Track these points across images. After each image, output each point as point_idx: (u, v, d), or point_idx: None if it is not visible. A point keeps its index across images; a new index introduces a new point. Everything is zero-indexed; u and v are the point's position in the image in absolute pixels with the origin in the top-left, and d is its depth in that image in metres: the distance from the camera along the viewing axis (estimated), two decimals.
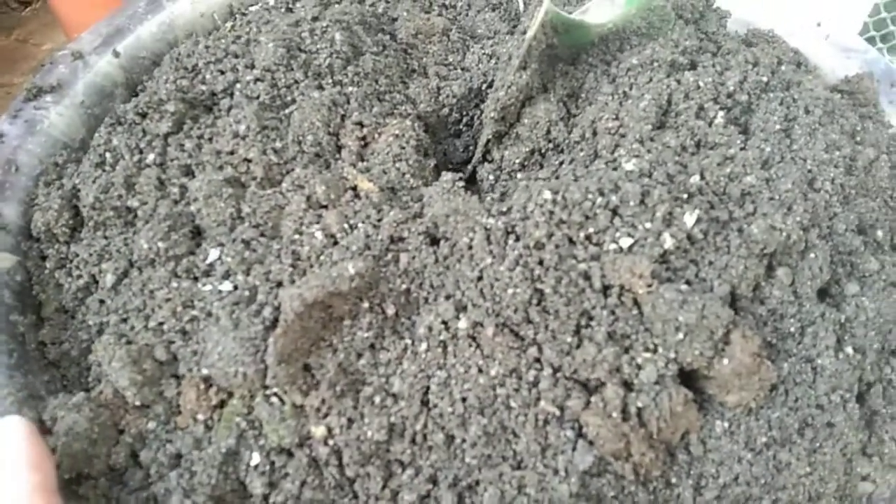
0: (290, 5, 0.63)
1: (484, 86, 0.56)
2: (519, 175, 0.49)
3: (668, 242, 0.38)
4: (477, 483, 0.38)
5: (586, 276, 0.37)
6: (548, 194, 0.38)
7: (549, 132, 0.50)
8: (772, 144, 0.46)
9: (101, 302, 0.47)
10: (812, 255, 0.41)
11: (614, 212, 0.38)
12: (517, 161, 0.51)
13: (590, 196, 0.38)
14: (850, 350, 0.41)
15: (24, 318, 0.48)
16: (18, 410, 0.42)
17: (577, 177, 0.41)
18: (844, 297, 0.43)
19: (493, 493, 0.37)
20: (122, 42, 0.61)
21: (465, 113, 0.56)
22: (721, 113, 0.47)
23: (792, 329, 0.41)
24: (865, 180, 0.48)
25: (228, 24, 0.62)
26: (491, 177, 0.51)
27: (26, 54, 0.91)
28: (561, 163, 0.49)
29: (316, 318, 0.38)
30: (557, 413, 0.38)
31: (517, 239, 0.38)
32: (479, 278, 0.39)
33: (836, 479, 0.40)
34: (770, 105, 0.49)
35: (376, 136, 0.49)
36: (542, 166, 0.50)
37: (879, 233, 0.46)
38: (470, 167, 0.53)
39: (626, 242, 0.38)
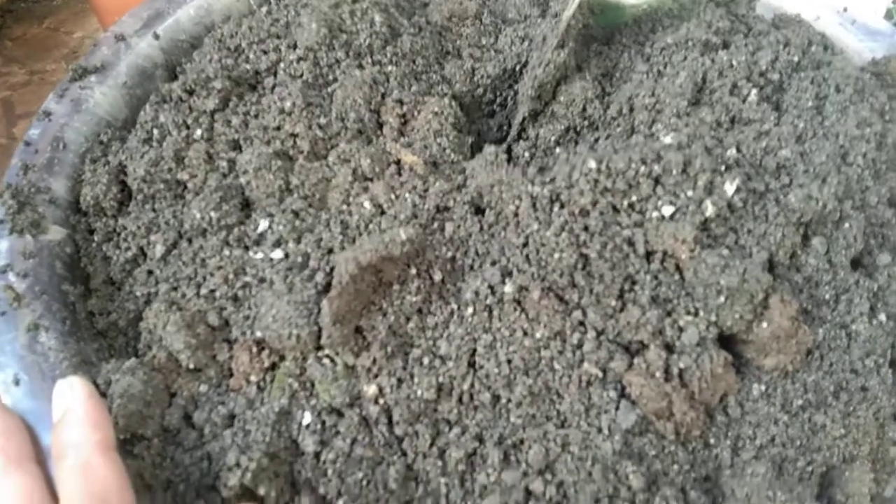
0: None
1: (518, 67, 0.57)
2: (557, 150, 0.50)
3: (710, 210, 0.39)
4: (522, 441, 0.39)
5: (630, 242, 0.39)
6: (592, 163, 0.39)
7: (584, 109, 0.51)
8: (805, 120, 0.47)
9: (150, 273, 0.49)
10: (847, 225, 0.43)
11: (657, 181, 0.40)
12: (553, 139, 0.52)
13: (633, 165, 0.39)
14: (883, 317, 0.42)
15: (74, 289, 0.50)
16: (74, 374, 0.43)
17: (616, 149, 0.42)
18: (877, 266, 0.44)
19: (537, 450, 0.39)
20: (161, 25, 0.62)
21: (498, 93, 0.58)
22: (754, 91, 0.48)
23: (827, 296, 0.42)
24: (895, 156, 0.49)
25: (264, 8, 0.63)
26: (526, 154, 0.52)
27: (58, 42, 0.92)
28: (597, 139, 0.50)
29: (367, 282, 0.40)
30: (600, 374, 0.39)
31: (562, 206, 0.39)
32: (525, 244, 0.40)
33: (869, 442, 0.42)
34: (801, 83, 0.50)
35: (416, 113, 0.51)
36: (577, 143, 0.52)
37: None
38: (505, 145, 0.54)
39: (668, 210, 0.39)
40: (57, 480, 0.36)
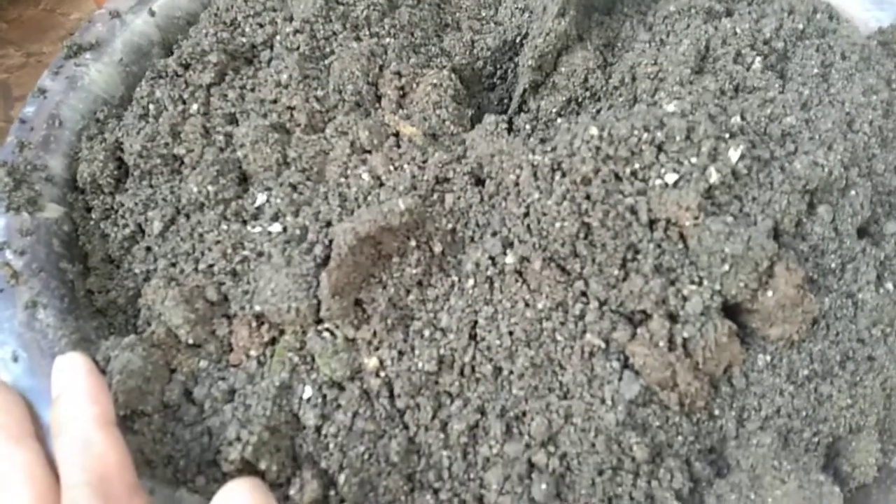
0: None
1: (518, 38, 0.56)
2: (559, 121, 0.49)
3: (714, 177, 0.38)
4: (524, 413, 0.39)
5: (633, 211, 0.38)
6: (594, 130, 0.38)
7: (586, 80, 0.50)
8: (810, 88, 0.46)
9: (148, 249, 0.48)
10: (853, 193, 0.42)
11: (660, 148, 0.39)
12: (554, 110, 0.51)
13: (636, 132, 0.38)
14: (890, 286, 0.42)
15: (73, 267, 0.49)
16: (73, 351, 0.43)
17: (618, 117, 0.41)
18: (884, 235, 0.44)
19: (540, 422, 0.38)
20: (157, 1, 0.62)
21: (498, 66, 0.57)
22: (758, 59, 0.48)
23: (833, 265, 0.41)
24: None
25: None
26: (528, 126, 0.52)
27: (54, 24, 0.91)
28: (599, 110, 0.49)
29: (367, 253, 0.39)
30: (603, 345, 0.39)
31: (563, 175, 0.39)
32: (526, 214, 0.39)
33: (875, 412, 0.41)
34: (807, 51, 0.49)
35: (414, 85, 0.50)
36: (579, 115, 0.51)
37: None
38: (506, 117, 0.53)
39: (671, 178, 0.38)
40: (56, 456, 0.36)
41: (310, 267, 0.40)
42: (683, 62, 0.46)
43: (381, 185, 0.42)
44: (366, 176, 0.42)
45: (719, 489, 0.37)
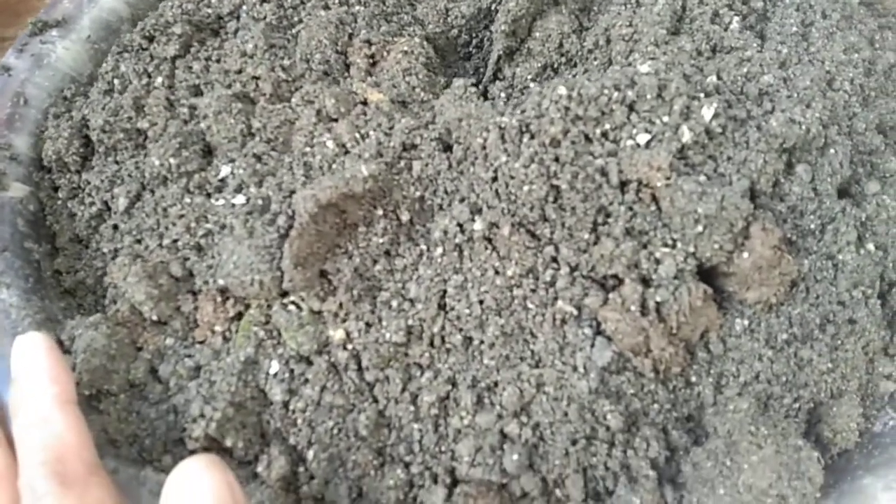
0: None
1: (493, 5, 0.55)
2: (532, 86, 0.48)
3: (687, 136, 0.37)
4: (496, 384, 0.38)
5: (603, 172, 0.37)
6: (563, 90, 0.37)
7: (561, 45, 0.49)
8: (789, 47, 0.45)
9: (115, 227, 0.47)
10: (832, 151, 0.41)
11: (631, 107, 0.38)
12: (529, 77, 0.50)
13: (606, 91, 0.37)
14: (871, 247, 0.41)
15: (39, 247, 0.48)
16: (36, 331, 0.42)
17: (590, 79, 0.40)
18: (865, 195, 0.43)
19: (511, 392, 0.37)
20: None
21: (474, 34, 0.55)
22: (736, 18, 0.46)
23: (812, 226, 0.40)
24: (885, 84, 0.46)
25: None
26: (503, 94, 0.50)
27: (29, 7, 0.90)
28: (574, 76, 0.48)
29: (331, 223, 0.38)
30: (575, 312, 0.38)
31: (532, 137, 0.37)
32: (494, 178, 0.38)
33: (857, 377, 0.40)
34: (786, 10, 0.48)
35: (385, 53, 0.49)
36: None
37: None
38: (481, 86, 0.52)
39: (643, 138, 0.37)
40: (14, 436, 0.35)
41: (273, 238, 0.38)
42: (658, 22, 0.45)
43: (347, 152, 0.41)
44: (330, 143, 0.41)
45: (695, 457, 0.36)
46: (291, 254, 0.37)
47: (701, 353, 0.39)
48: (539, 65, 0.50)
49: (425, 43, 0.50)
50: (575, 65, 0.50)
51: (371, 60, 0.48)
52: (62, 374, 0.37)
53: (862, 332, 0.40)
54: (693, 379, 0.39)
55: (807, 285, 0.40)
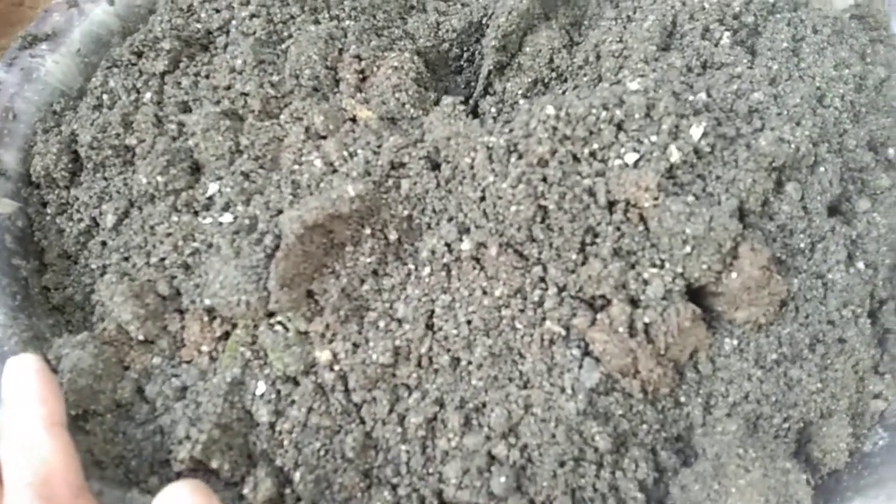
0: None
1: (484, 19, 0.55)
2: (521, 102, 0.48)
3: (675, 156, 0.37)
4: (483, 405, 0.38)
5: (591, 192, 0.37)
6: (551, 110, 0.37)
7: (551, 60, 0.49)
8: (779, 63, 0.45)
9: (103, 244, 0.47)
10: (822, 169, 0.40)
11: (619, 126, 0.37)
12: (520, 92, 0.50)
13: (594, 111, 0.37)
14: (861, 265, 0.40)
15: (27, 264, 0.48)
16: (23, 350, 0.42)
17: (580, 97, 0.40)
18: (855, 213, 0.42)
19: (499, 413, 0.37)
20: None
21: (465, 48, 0.55)
22: (727, 34, 0.46)
23: (802, 245, 0.40)
24: (876, 99, 0.46)
25: None
26: (493, 109, 0.50)
27: (21, 17, 0.89)
28: (565, 91, 0.48)
29: (317, 243, 0.38)
30: (563, 332, 0.37)
31: (520, 157, 0.37)
32: (482, 198, 0.38)
33: (847, 396, 0.40)
34: (777, 25, 0.48)
35: (375, 69, 0.48)
36: (545, 96, 0.49)
37: (891, 150, 0.45)
38: (472, 101, 0.52)
39: (631, 158, 0.37)
40: (2, 458, 0.35)
41: (259, 258, 0.38)
42: (648, 38, 0.44)
43: (335, 171, 0.41)
44: (318, 162, 0.41)
45: (684, 479, 0.36)
46: (277, 275, 0.36)
47: (690, 374, 0.39)
48: (529, 80, 0.50)
49: (416, 58, 0.50)
50: (565, 80, 0.49)
51: (361, 76, 0.48)
52: (50, 396, 0.37)
53: (852, 351, 0.40)
54: (682, 399, 0.39)
55: (796, 304, 0.39)
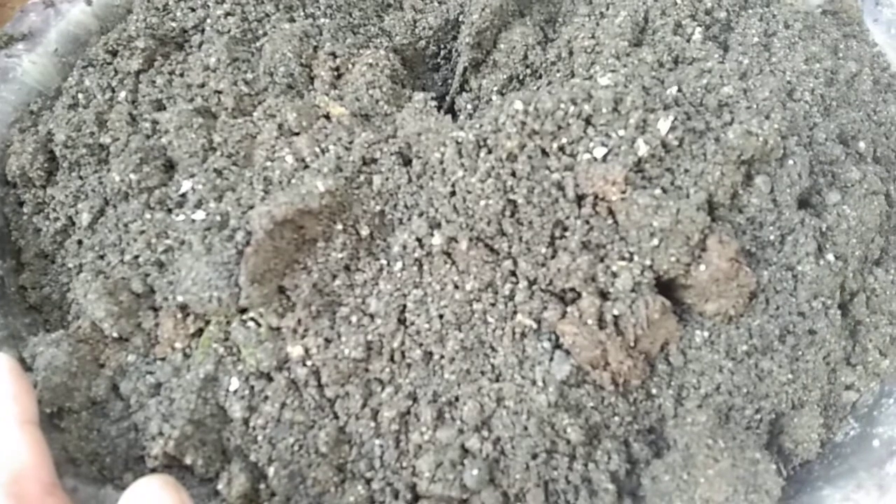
0: None
1: (461, 17, 0.55)
2: (495, 98, 0.48)
3: (643, 149, 0.37)
4: (456, 398, 0.38)
5: (559, 186, 0.37)
6: (519, 105, 0.37)
7: (526, 56, 0.49)
8: (750, 57, 0.45)
9: (80, 243, 0.47)
10: (791, 162, 0.41)
11: (587, 121, 0.38)
12: (495, 89, 0.50)
13: (562, 105, 0.37)
14: (831, 257, 0.41)
15: (4, 263, 0.48)
16: None
17: (550, 92, 0.40)
18: (825, 206, 0.43)
19: (472, 406, 0.37)
20: None
21: (442, 45, 0.55)
22: (699, 29, 0.46)
23: (772, 237, 0.40)
24: (847, 93, 0.47)
25: None
26: (469, 106, 0.50)
27: (3, 18, 0.89)
28: (538, 88, 0.48)
29: (288, 238, 0.38)
30: (534, 325, 0.38)
31: (489, 151, 0.37)
32: (452, 193, 0.38)
33: (819, 387, 0.40)
34: (749, 21, 0.48)
35: (350, 66, 0.49)
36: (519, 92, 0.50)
37: (861, 144, 0.45)
38: (448, 98, 0.52)
39: (599, 152, 0.37)
40: None
41: (231, 254, 0.38)
42: (620, 34, 0.45)
43: (306, 167, 0.41)
44: (290, 158, 0.41)
45: (654, 470, 0.36)
46: (247, 270, 0.36)
47: (661, 366, 0.39)
48: (505, 76, 0.50)
49: (392, 55, 0.50)
50: (540, 76, 0.50)
51: (336, 73, 0.48)
52: (22, 394, 0.36)
53: (822, 342, 0.40)
54: (654, 391, 0.39)
55: (766, 296, 0.40)
